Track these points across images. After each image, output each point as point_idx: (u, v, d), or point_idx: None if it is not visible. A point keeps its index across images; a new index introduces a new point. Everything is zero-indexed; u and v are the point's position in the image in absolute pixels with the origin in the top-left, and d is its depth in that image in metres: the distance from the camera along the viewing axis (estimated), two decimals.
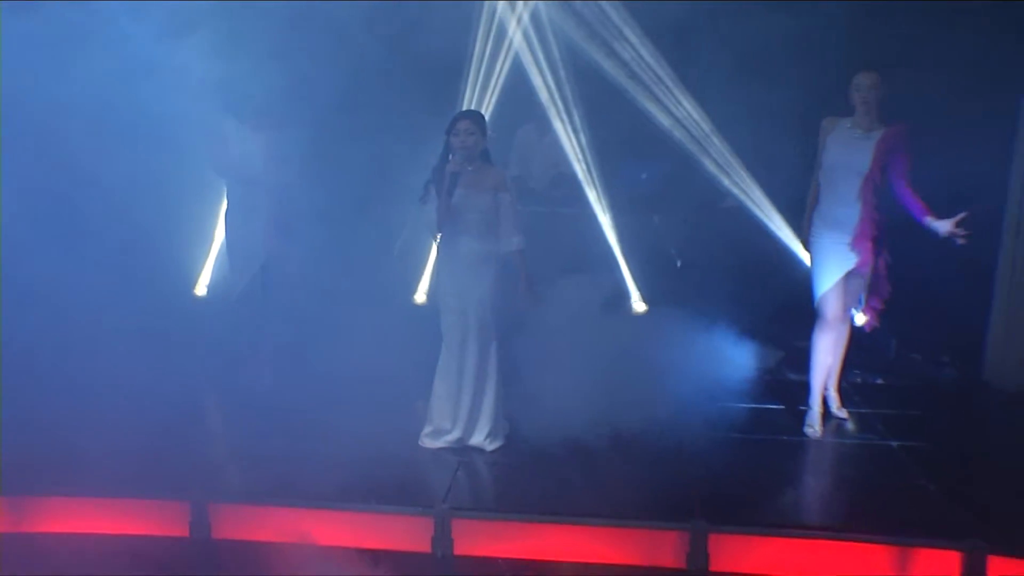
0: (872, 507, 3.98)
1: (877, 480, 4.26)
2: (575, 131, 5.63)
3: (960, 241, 4.39)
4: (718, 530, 3.73)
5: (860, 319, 5.28)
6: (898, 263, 5.24)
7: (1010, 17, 5.52)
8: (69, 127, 5.13)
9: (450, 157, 4.30)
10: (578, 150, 5.68)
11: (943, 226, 4.42)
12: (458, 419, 4.48)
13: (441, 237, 4.42)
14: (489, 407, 4.48)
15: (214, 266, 6.13)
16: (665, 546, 3.77)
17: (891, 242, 4.78)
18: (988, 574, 3.59)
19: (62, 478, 4.05)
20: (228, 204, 5.19)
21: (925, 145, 4.77)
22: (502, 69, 5.47)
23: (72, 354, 5.08)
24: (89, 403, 4.59)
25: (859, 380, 5.75)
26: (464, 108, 5.46)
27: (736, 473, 4.31)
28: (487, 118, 4.68)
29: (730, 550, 3.73)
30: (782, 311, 5.68)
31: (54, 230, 5.31)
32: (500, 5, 5.41)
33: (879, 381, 5.79)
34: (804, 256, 4.98)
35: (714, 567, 3.72)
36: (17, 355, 4.88)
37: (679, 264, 6.56)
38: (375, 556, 3.76)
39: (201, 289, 6.23)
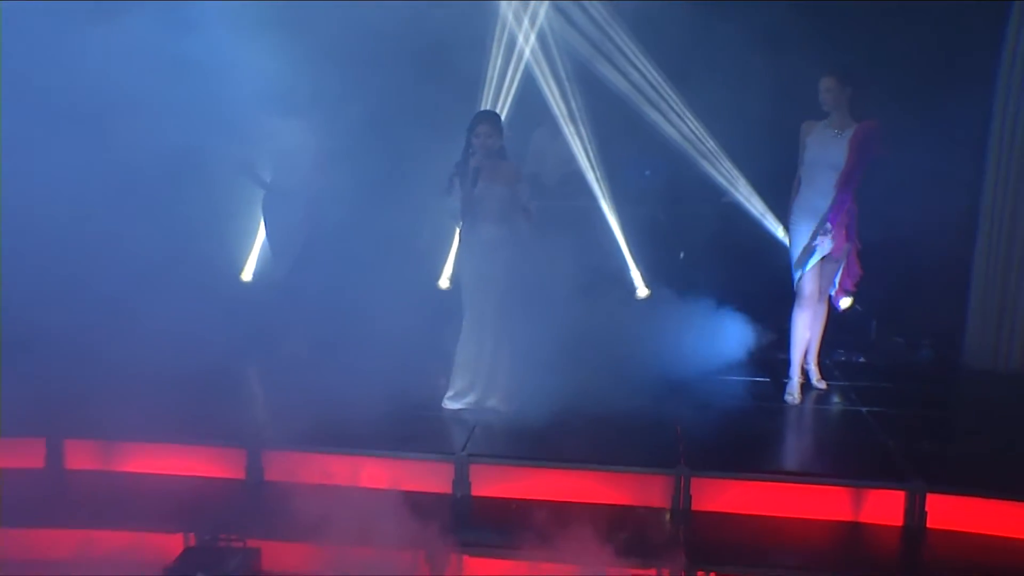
0: (834, 458, 4.59)
1: (842, 437, 4.85)
2: (582, 132, 6.23)
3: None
4: (699, 475, 4.31)
5: (844, 303, 5.84)
6: (882, 250, 5.81)
7: (984, 11, 5.89)
8: (127, 116, 5.46)
9: (471, 153, 4.92)
10: (585, 149, 6.28)
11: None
12: (476, 384, 5.07)
13: (463, 224, 5.04)
14: (504, 373, 5.06)
15: (259, 253, 6.75)
16: (654, 488, 4.35)
17: (872, 230, 5.35)
18: (927, 509, 4.16)
19: (144, 426, 4.65)
20: (266, 192, 5.79)
21: (901, 138, 5.31)
22: (515, 76, 6.08)
23: (132, 332, 5.69)
24: (159, 368, 5.21)
25: (843, 358, 6.30)
26: (484, 109, 6.04)
27: (718, 430, 4.89)
28: (503, 119, 5.28)
29: (709, 492, 4.31)
30: (774, 298, 6.15)
31: (108, 216, 5.80)
32: (512, 22, 6.03)
33: (861, 360, 6.33)
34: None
35: (695, 507, 4.30)
36: (91, 325, 5.48)
37: (682, 255, 7.15)
38: (404, 496, 4.27)
39: (247, 275, 6.86)
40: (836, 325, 6.12)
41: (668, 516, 4.28)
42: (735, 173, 6.31)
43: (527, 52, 6.06)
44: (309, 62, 5.51)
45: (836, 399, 5.45)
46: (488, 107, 6.15)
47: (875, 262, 5.73)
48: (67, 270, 5.32)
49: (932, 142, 5.82)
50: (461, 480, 4.47)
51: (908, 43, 6.03)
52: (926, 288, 6.39)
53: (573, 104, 6.23)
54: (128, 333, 5.20)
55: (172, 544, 4.13)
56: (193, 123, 5.63)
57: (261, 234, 6.61)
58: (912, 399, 5.55)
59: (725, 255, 6.45)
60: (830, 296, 5.46)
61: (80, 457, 4.70)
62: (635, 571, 3.86)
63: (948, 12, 6.00)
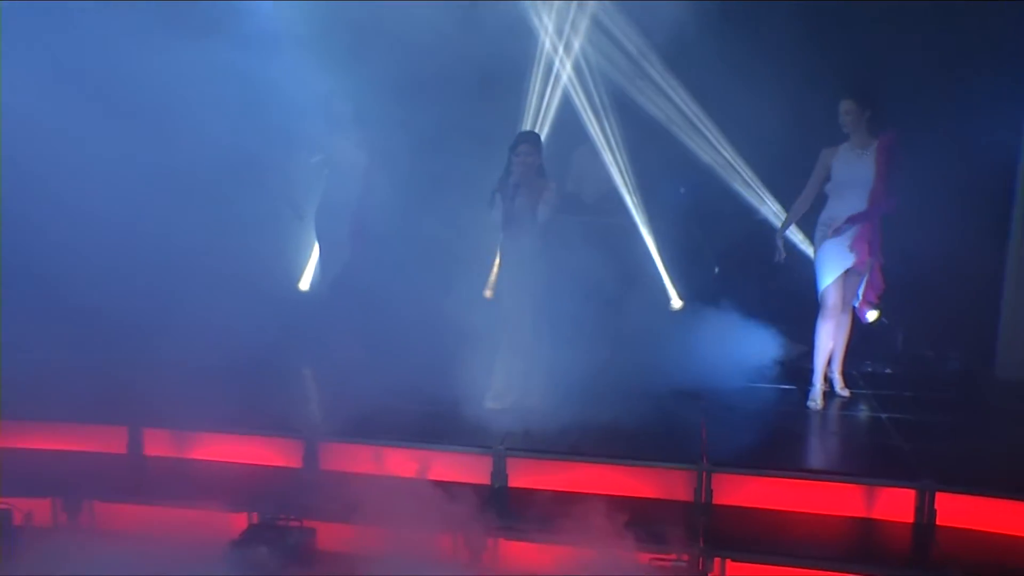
0: (849, 458, 4.86)
1: (858, 439, 5.12)
2: (618, 153, 6.60)
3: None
4: (720, 470, 4.63)
5: (871, 316, 6.09)
6: (911, 263, 6.03)
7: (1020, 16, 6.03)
8: (194, 127, 5.82)
9: (512, 170, 5.32)
10: (621, 169, 6.64)
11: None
12: (515, 384, 5.45)
13: (503, 236, 5.44)
14: (540, 375, 5.44)
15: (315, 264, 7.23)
16: (678, 482, 4.68)
17: (902, 243, 5.59)
18: (936, 507, 4.41)
19: (211, 418, 5.13)
20: (319, 205, 6.28)
21: (931, 149, 5.53)
22: (553, 100, 6.51)
23: (200, 331, 6.13)
24: (224, 365, 5.64)
25: (869, 369, 6.51)
26: (525, 130, 6.37)
27: (741, 430, 5.20)
28: (542, 139, 5.68)
29: (729, 487, 4.63)
30: (804, 312, 6.46)
31: (176, 219, 6.00)
32: (550, 50, 6.46)
33: (888, 371, 6.54)
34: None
35: (716, 500, 4.61)
36: (160, 321, 5.90)
37: (716, 270, 7.44)
38: (446, 486, 4.64)
39: (304, 284, 7.36)
40: (863, 337, 6.38)
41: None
42: (764, 191, 6.60)
43: (564, 77, 6.47)
44: (361, 86, 5.98)
45: (857, 406, 5.69)
46: (528, 128, 6.55)
47: (905, 275, 5.99)
48: (145, 271, 5.78)
49: (963, 153, 6.02)
50: (499, 472, 4.85)
51: (937, 54, 6.21)
52: (956, 301, 6.53)
53: (608, 126, 6.60)
54: (196, 332, 5.55)
55: (237, 522, 4.59)
56: (257, 139, 6.14)
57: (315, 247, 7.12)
58: (932, 406, 5.76)
59: (758, 269, 6.72)
60: (854, 308, 5.72)
61: (157, 445, 5.19)
62: (657, 555, 4.18)
63: (978, 17, 6.14)
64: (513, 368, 5.44)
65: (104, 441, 5.17)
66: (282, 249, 7.12)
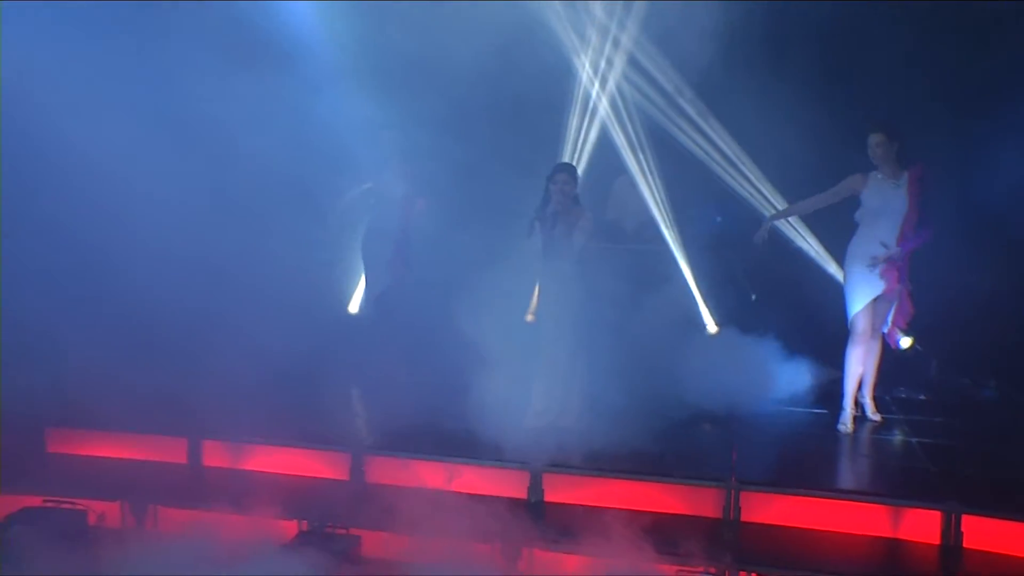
0: (877, 479, 4.98)
1: (886, 461, 5.24)
2: (654, 183, 6.86)
3: None
4: (748, 488, 4.80)
5: (905, 343, 6.20)
6: (948, 290, 6.15)
7: None
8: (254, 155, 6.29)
9: (549, 199, 5.59)
10: (658, 199, 6.89)
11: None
12: (553, 404, 5.68)
13: (542, 262, 5.70)
14: (578, 395, 5.66)
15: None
16: (707, 499, 4.85)
17: (939, 271, 5.71)
18: (963, 529, 4.50)
19: (264, 431, 5.49)
20: (365, 231, 6.66)
21: (965, 175, 5.63)
22: (590, 131, 6.80)
23: (253, 348, 6.41)
24: (276, 381, 5.97)
25: (903, 396, 6.61)
26: (563, 161, 6.68)
27: (771, 450, 5.38)
28: (580, 169, 5.95)
29: (757, 505, 4.78)
30: (837, 337, 6.56)
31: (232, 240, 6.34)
32: (587, 83, 6.78)
33: (921, 397, 6.62)
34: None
35: (744, 518, 4.77)
36: (214, 338, 6.16)
37: (753, 297, 7.60)
38: (484, 499, 4.90)
39: (354, 307, 7.71)
40: (897, 364, 6.51)
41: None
42: (797, 220, 6.78)
43: (601, 111, 6.76)
44: (407, 119, 6.34)
45: (887, 430, 5.79)
46: (566, 159, 6.84)
47: (939, 302, 6.10)
48: (204, 291, 6.13)
49: (998, 178, 6.14)
50: (536, 487, 5.07)
51: (967, 83, 6.37)
52: (992, 328, 6.63)
53: (644, 158, 6.87)
54: (251, 349, 5.82)
55: (288, 528, 4.88)
56: (309, 167, 6.56)
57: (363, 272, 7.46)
58: (964, 432, 5.84)
59: (792, 297, 6.89)
60: (884, 334, 5.84)
61: (214, 456, 5.53)
62: (684, 568, 4.35)
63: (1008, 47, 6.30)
64: (551, 389, 5.66)
65: (167, 451, 5.53)
66: (332, 273, 7.49)
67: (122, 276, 5.85)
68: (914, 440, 5.60)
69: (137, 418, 5.52)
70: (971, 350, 6.83)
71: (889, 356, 6.24)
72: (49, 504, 4.90)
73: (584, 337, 5.67)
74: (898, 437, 5.67)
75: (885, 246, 5.47)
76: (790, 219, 6.81)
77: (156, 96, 6.09)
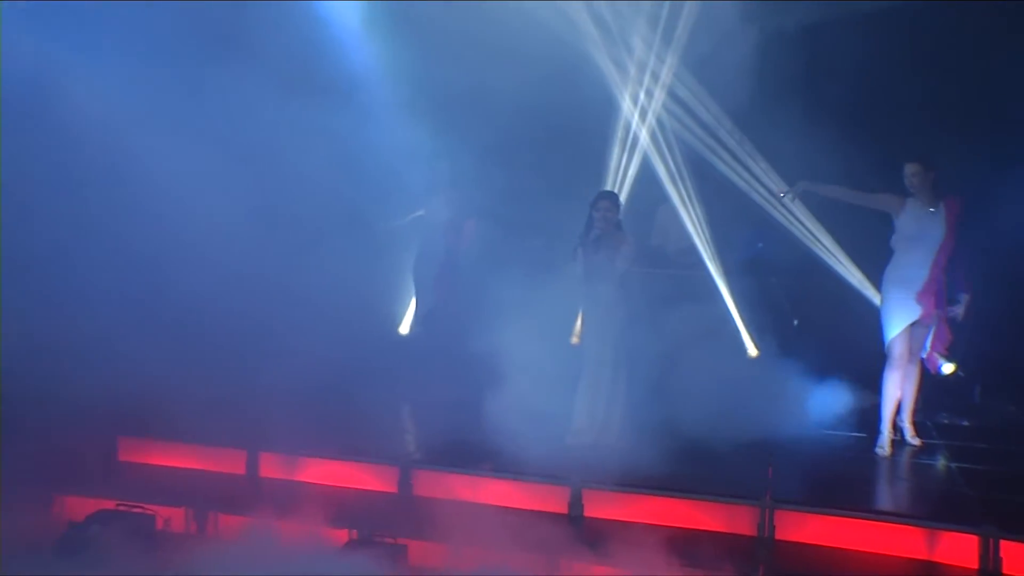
0: (912, 502, 5.04)
1: (923, 485, 5.30)
2: (695, 210, 7.05)
3: None
4: (782, 507, 4.90)
5: (947, 369, 6.25)
6: (996, 316, 6.19)
7: None
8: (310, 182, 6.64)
9: (593, 225, 5.81)
10: (698, 225, 7.07)
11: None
12: (594, 424, 5.87)
13: (585, 286, 5.91)
14: (618, 415, 5.86)
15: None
16: (742, 517, 4.97)
17: (988, 298, 5.78)
18: (1001, 555, 4.53)
19: (317, 445, 5.80)
20: (416, 255, 6.99)
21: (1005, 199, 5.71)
22: (631, 160, 7.03)
23: (308, 366, 6.68)
24: (329, 398, 6.30)
25: (946, 421, 6.64)
26: (605, 189, 6.92)
27: (807, 470, 5.47)
28: (623, 197, 6.17)
29: (791, 524, 4.89)
30: (878, 362, 6.64)
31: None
32: (626, 113, 7.03)
33: (964, 423, 6.64)
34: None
35: (779, 536, 4.88)
36: (275, 360, 6.40)
37: (796, 322, 7.69)
38: (526, 514, 5.12)
39: (404, 328, 8.01)
40: (940, 389, 6.56)
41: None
42: (837, 249, 6.90)
43: (642, 139, 6.99)
44: (457, 148, 6.66)
45: (926, 454, 5.83)
46: (608, 187, 7.07)
47: (983, 328, 6.15)
48: (263, 309, 6.48)
49: None
50: (576, 502, 5.25)
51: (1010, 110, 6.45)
52: None
53: (685, 186, 7.06)
54: (306, 366, 6.17)
55: (339, 536, 5.12)
56: (362, 194, 6.90)
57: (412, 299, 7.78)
58: (1006, 457, 5.85)
59: (833, 321, 6.98)
60: (923, 359, 5.91)
61: (271, 467, 5.83)
62: None
63: None
64: (592, 408, 5.86)
65: (227, 462, 5.86)
66: (384, 294, 7.82)
67: (188, 294, 6.19)
68: (953, 465, 5.64)
69: (200, 430, 5.87)
70: (1016, 376, 6.82)
71: (932, 381, 6.32)
72: (121, 508, 5.25)
73: (625, 359, 5.86)
74: (937, 461, 5.72)
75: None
76: (830, 249, 6.93)
77: (220, 121, 6.44)
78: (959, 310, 5.71)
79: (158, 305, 6.16)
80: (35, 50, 5.83)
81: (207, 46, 6.38)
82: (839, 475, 5.47)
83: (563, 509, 5.26)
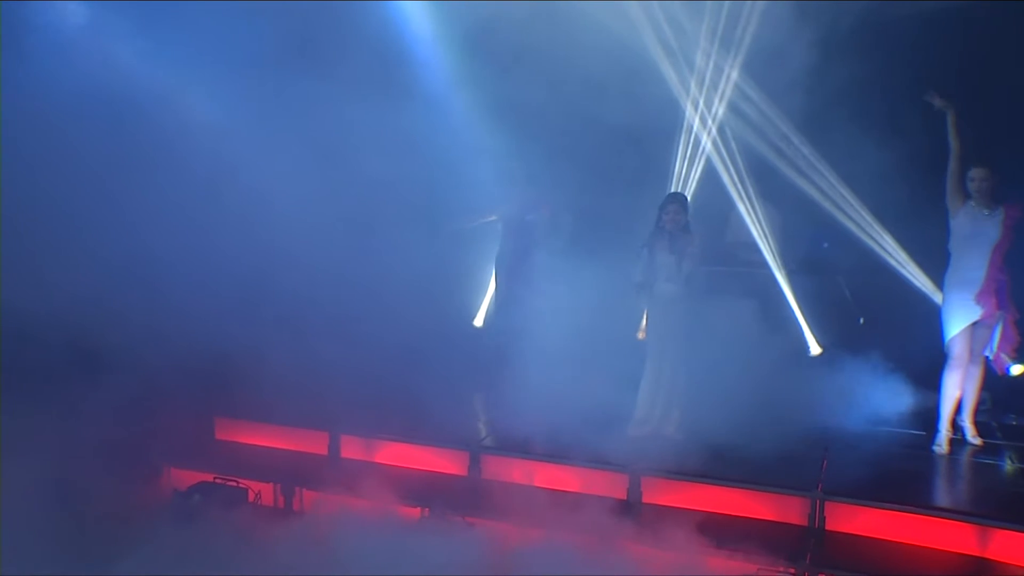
0: (965, 498, 5.15)
1: (978, 483, 5.37)
2: (760, 211, 7.23)
3: None
4: (832, 499, 5.09)
5: (1016, 370, 6.27)
6: None
7: None
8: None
9: (662, 226, 6.04)
10: (764, 227, 7.25)
11: None
12: (655, 414, 6.14)
13: (653, 285, 6.14)
14: (678, 407, 6.09)
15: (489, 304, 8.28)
16: (793, 508, 5.19)
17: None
18: None
19: (395, 428, 6.26)
20: (497, 254, 7.40)
21: None
22: (697, 163, 7.23)
23: (385, 353, 7.00)
24: (406, 384, 6.68)
25: (1013, 422, 6.64)
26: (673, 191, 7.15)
27: (862, 465, 5.59)
28: (689, 198, 6.38)
29: (841, 515, 5.08)
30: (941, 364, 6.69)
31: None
32: (691, 117, 7.24)
33: None
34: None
35: (829, 527, 5.09)
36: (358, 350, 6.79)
37: (861, 320, 7.77)
38: (587, 498, 5.45)
39: (479, 321, 8.41)
40: (1009, 390, 6.57)
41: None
42: (897, 248, 6.97)
43: (707, 143, 7.20)
44: (532, 150, 6.98)
45: (985, 453, 5.88)
46: (677, 188, 7.29)
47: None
48: (345, 304, 6.94)
49: None
50: (635, 489, 5.55)
51: None
52: None
53: (750, 190, 7.24)
54: (389, 355, 6.66)
55: (413, 513, 5.54)
56: (442, 194, 7.31)
57: (491, 288, 8.15)
58: None
59: (897, 320, 7.05)
60: (988, 359, 5.96)
61: (351, 448, 6.30)
62: (765, 567, 4.72)
63: None
64: (653, 401, 6.12)
65: (312, 443, 6.36)
66: (457, 290, 8.23)
67: (282, 293, 6.70)
68: (1013, 465, 5.69)
69: (288, 413, 6.38)
70: None
71: (1001, 383, 6.36)
72: (219, 481, 5.81)
73: (687, 354, 6.09)
74: (996, 461, 5.76)
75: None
76: (890, 252, 7.01)
77: (306, 129, 6.94)
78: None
79: (257, 302, 6.60)
80: (124, 59, 6.29)
81: (286, 53, 6.86)
82: (894, 470, 5.58)
83: (623, 495, 5.56)
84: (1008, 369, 6.13)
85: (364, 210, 7.01)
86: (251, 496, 5.82)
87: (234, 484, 5.81)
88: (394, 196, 7.05)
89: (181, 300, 6.11)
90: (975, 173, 5.69)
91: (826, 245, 7.69)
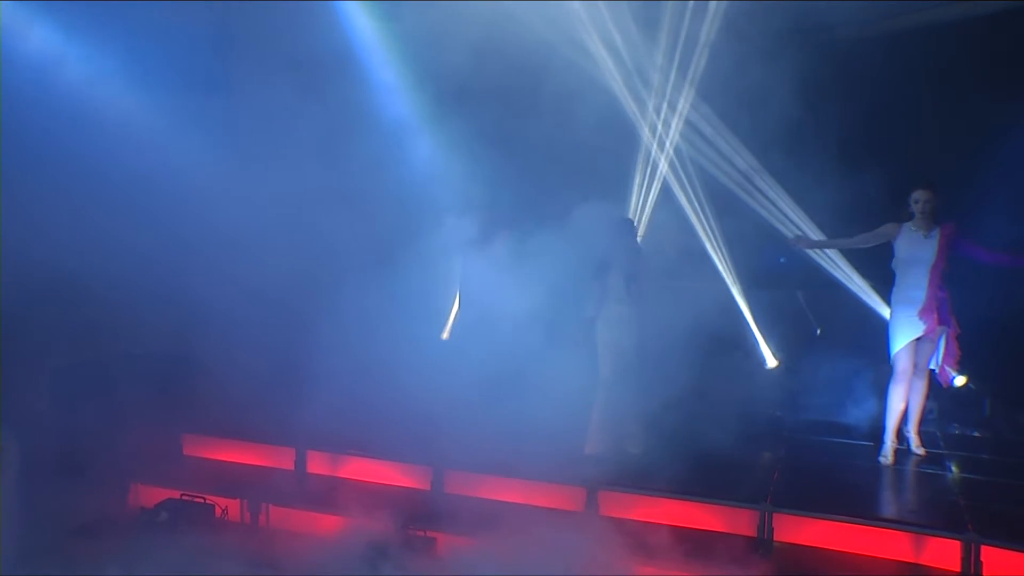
0: (903, 508, 5.38)
1: (918, 494, 5.61)
2: (715, 226, 7.45)
3: None
4: (780, 511, 5.29)
5: (959, 381, 6.52)
6: (1003, 327, 6.45)
7: None
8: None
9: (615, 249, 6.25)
10: (719, 242, 7.46)
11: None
12: (612, 431, 6.30)
13: (605, 305, 6.31)
14: (634, 423, 6.29)
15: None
16: (743, 519, 5.38)
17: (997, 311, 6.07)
18: (982, 559, 4.85)
19: (357, 444, 6.40)
20: (462, 271, 7.51)
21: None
22: (652, 183, 7.44)
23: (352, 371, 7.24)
24: (371, 401, 6.85)
25: (956, 432, 6.91)
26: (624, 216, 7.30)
27: (807, 476, 5.84)
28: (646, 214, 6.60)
29: (789, 526, 5.28)
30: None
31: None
32: (648, 139, 7.46)
33: (974, 434, 6.89)
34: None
35: (777, 537, 5.28)
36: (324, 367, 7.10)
37: (819, 331, 8.01)
38: (546, 512, 5.67)
39: (445, 334, 8.53)
40: (952, 401, 6.85)
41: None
42: (846, 264, 7.22)
43: (663, 165, 7.40)
44: (494, 174, 7.17)
45: (928, 463, 6.12)
46: (631, 211, 7.52)
47: (996, 340, 6.42)
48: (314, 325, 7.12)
49: None
50: (592, 503, 5.72)
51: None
52: None
53: (704, 209, 7.45)
54: (347, 370, 6.74)
55: (376, 527, 5.66)
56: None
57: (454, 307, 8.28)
58: (1008, 468, 6.10)
59: (851, 334, 7.29)
60: (933, 372, 6.21)
61: (317, 464, 6.43)
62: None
63: None
64: (607, 418, 6.30)
65: (278, 459, 6.48)
66: (425, 307, 8.36)
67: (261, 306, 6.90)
68: (952, 474, 5.94)
69: (255, 429, 6.50)
70: None
71: (945, 394, 6.62)
72: (185, 497, 5.92)
73: (641, 372, 6.28)
74: (935, 471, 6.00)
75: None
76: (849, 273, 7.25)
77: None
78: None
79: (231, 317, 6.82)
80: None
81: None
82: (839, 481, 5.79)
83: (580, 507, 5.73)
84: (952, 381, 6.38)
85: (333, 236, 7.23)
86: (217, 512, 5.92)
87: (201, 500, 5.91)
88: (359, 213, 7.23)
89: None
90: (919, 195, 5.93)
91: (783, 260, 7.91)
